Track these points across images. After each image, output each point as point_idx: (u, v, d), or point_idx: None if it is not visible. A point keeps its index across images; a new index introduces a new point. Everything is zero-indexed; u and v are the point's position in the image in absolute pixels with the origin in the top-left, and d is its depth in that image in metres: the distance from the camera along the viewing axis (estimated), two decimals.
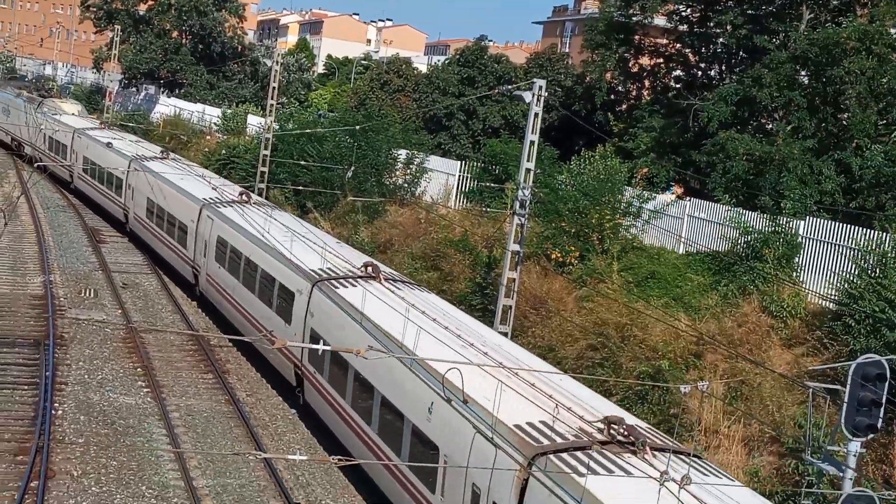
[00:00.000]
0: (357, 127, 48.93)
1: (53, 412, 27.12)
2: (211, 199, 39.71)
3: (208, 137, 73.03)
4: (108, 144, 52.91)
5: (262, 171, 51.28)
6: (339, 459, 15.31)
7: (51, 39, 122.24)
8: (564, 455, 16.71)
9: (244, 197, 40.20)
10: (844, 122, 35.69)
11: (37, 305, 37.11)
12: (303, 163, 50.37)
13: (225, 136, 70.20)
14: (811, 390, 19.81)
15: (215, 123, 75.17)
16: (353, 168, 48.99)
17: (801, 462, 21.18)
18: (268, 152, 51.24)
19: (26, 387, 28.83)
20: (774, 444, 23.86)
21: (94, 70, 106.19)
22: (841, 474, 17.67)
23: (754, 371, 25.50)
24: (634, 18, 48.60)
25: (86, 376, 30.44)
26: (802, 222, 30.54)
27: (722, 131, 37.01)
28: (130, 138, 58.00)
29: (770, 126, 38.59)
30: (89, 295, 39.69)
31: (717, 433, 24.80)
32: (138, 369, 31.56)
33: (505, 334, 28.97)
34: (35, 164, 61.93)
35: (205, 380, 31.54)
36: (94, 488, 23.02)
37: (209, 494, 23.50)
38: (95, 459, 24.60)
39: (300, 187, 50.26)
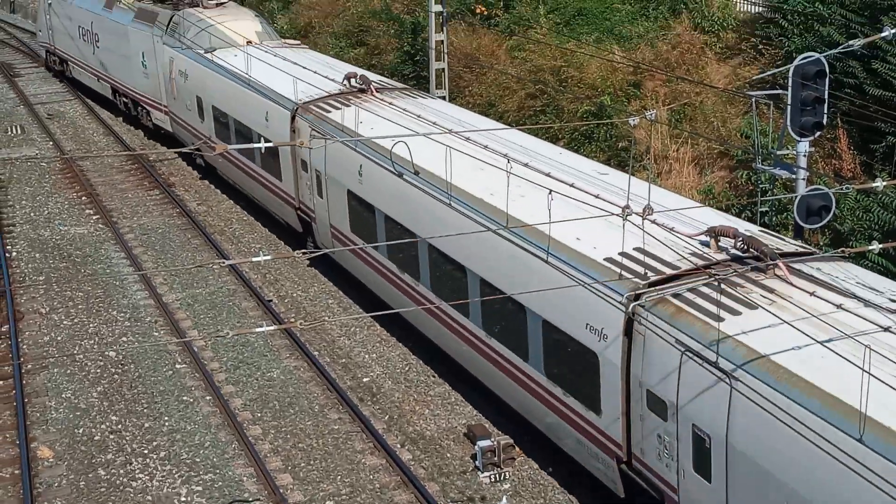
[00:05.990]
0: None
1: (7, 254, 26.91)
2: None
3: None
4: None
5: None
6: (303, 253, 15.19)
7: None
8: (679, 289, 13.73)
9: None
10: None
11: None
12: None
13: None
14: (753, 99, 19.87)
15: None
16: None
17: (753, 171, 21.45)
18: None
19: None
20: (724, 158, 24.12)
21: None
22: (793, 176, 17.93)
23: (695, 90, 25.50)
24: None
25: (32, 214, 30.06)
26: None
27: None
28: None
29: None
30: (16, 132, 38.76)
31: (667, 158, 25.01)
32: (83, 198, 31.18)
33: (442, 98, 28.67)
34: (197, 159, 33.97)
35: (152, 197, 31.25)
36: (65, 322, 23.07)
37: (181, 307, 23.63)
38: (60, 294, 24.56)
39: None
